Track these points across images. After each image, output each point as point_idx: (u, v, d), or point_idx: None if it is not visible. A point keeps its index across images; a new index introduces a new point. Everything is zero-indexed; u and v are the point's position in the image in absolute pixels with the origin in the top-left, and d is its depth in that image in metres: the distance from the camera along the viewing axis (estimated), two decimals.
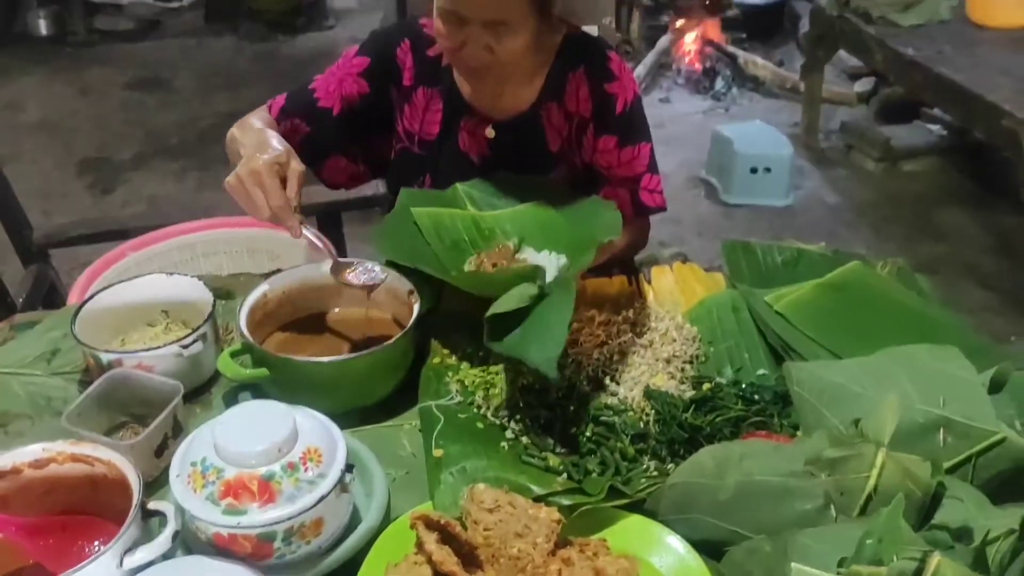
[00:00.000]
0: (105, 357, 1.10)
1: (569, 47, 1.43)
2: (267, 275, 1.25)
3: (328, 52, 4.92)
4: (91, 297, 1.20)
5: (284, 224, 1.17)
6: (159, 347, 1.11)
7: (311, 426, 0.94)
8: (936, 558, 0.78)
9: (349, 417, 1.08)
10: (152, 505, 0.91)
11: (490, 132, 1.45)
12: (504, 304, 1.07)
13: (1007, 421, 0.97)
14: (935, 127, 3.84)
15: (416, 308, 1.17)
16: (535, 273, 1.15)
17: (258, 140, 1.24)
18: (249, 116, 1.40)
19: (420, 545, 0.88)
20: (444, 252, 1.24)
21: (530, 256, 1.27)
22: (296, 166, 1.19)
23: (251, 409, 0.93)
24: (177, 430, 1.05)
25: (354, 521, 0.96)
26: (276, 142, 1.22)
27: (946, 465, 0.96)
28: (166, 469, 0.94)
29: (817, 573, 0.79)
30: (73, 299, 1.47)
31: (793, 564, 0.81)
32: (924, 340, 1.12)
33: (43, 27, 5.14)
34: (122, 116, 4.30)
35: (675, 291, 1.33)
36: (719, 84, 4.44)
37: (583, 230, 1.25)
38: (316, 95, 1.45)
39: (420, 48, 1.44)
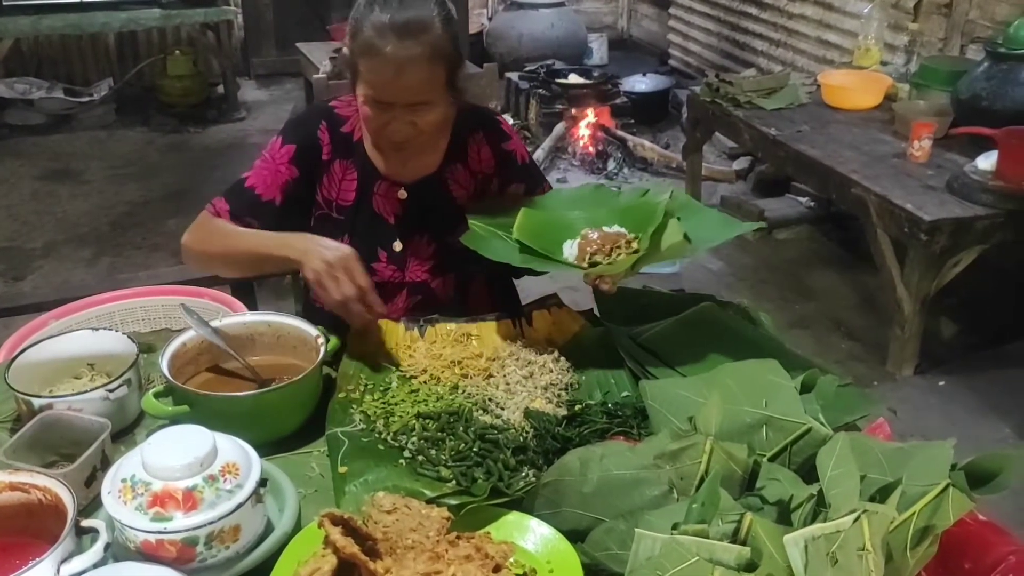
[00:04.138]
0: (37, 402, 1.21)
1: (465, 116, 1.65)
2: (184, 329, 1.39)
3: (239, 143, 5.05)
4: (21, 352, 1.31)
5: (366, 300, 1.36)
6: (87, 391, 1.23)
7: (229, 445, 1.07)
8: (749, 517, 0.97)
9: (264, 448, 1.19)
10: (85, 523, 1.02)
11: (402, 194, 1.64)
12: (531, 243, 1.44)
13: (813, 415, 1.17)
14: (804, 199, 4.24)
15: (322, 350, 1.32)
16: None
17: (321, 240, 1.43)
18: (211, 225, 1.54)
19: (327, 540, 1.01)
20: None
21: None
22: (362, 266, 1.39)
23: (175, 431, 1.06)
24: (105, 463, 1.16)
25: (268, 531, 1.08)
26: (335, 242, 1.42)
27: (768, 454, 1.14)
28: (94, 499, 1.05)
29: (655, 535, 0.96)
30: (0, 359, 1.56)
31: (637, 529, 0.98)
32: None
33: None
34: (33, 206, 4.32)
35: (552, 330, 1.52)
36: (611, 165, 4.78)
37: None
38: (256, 191, 1.57)
39: (334, 127, 1.63)
